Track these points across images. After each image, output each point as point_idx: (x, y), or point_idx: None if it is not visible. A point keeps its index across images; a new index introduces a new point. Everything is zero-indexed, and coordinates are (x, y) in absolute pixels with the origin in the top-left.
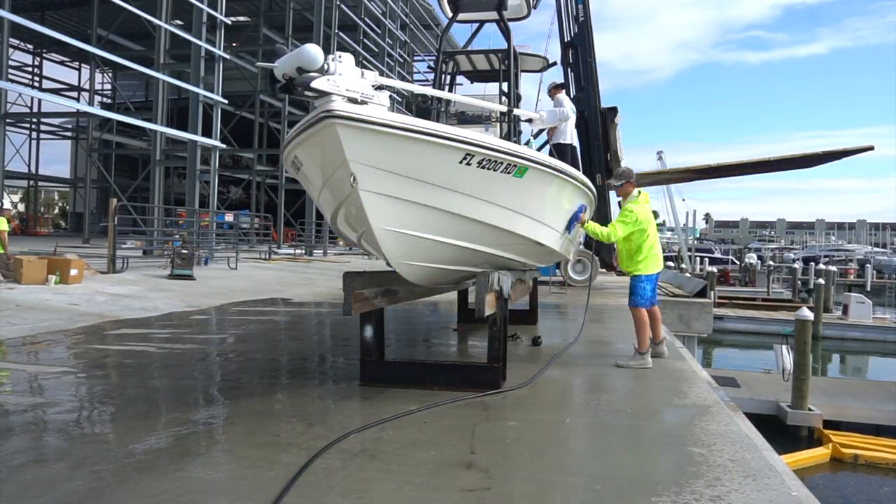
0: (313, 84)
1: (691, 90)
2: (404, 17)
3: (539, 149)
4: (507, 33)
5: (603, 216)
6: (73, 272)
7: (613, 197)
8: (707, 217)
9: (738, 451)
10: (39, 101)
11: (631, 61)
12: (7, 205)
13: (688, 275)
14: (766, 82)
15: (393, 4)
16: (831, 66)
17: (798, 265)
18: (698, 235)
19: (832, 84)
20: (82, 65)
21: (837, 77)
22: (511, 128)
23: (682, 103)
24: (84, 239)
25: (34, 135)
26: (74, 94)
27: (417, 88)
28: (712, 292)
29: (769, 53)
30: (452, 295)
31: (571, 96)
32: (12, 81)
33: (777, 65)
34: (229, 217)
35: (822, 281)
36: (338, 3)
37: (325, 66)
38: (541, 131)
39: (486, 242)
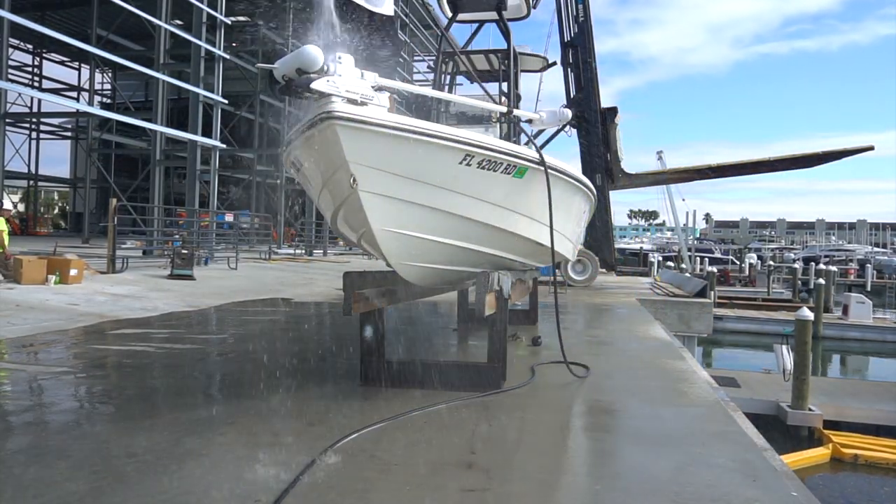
0: (313, 85)
1: (730, 84)
2: (404, 17)
3: (527, 143)
4: (506, 33)
5: (603, 216)
6: (73, 272)
7: (613, 196)
8: (707, 217)
9: (738, 451)
10: (39, 101)
11: (683, 55)
12: (7, 205)
13: (688, 275)
14: (814, 76)
15: (393, 5)
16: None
17: (798, 265)
18: (698, 235)
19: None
20: (82, 65)
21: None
22: (511, 128)
23: (720, 99)
24: (84, 239)
25: (34, 135)
26: (74, 94)
27: (417, 89)
28: (712, 292)
29: (813, 42)
30: (452, 295)
31: (571, 96)
32: (12, 81)
33: (813, 55)
34: (229, 217)
35: (822, 281)
36: None
37: (325, 68)
38: (540, 132)
39: (486, 243)
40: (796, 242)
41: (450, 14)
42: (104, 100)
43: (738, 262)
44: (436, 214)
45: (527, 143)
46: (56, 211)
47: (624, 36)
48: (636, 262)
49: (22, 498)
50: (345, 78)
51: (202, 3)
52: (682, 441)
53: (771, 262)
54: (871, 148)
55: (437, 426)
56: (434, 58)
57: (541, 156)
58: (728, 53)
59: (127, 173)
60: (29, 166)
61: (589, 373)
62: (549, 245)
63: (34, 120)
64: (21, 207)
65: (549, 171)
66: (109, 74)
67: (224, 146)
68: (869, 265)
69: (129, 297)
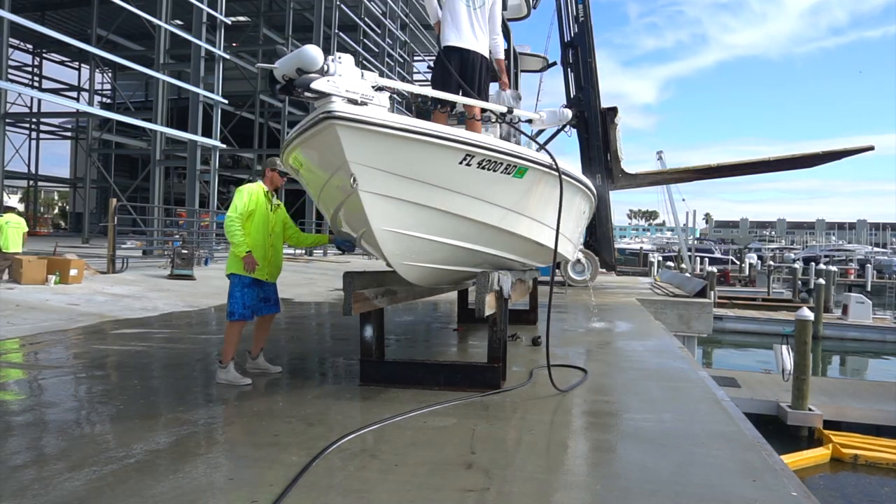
0: (313, 85)
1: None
2: (404, 17)
3: (539, 149)
4: (506, 33)
5: (603, 216)
6: (73, 272)
7: (613, 196)
8: (707, 217)
9: (738, 451)
10: (39, 101)
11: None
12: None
13: (688, 275)
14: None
15: (393, 4)
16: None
17: (798, 265)
18: (698, 235)
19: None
20: (82, 65)
21: None
22: (511, 128)
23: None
24: (84, 239)
25: (34, 135)
26: (74, 94)
27: (417, 89)
28: (712, 292)
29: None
30: (452, 295)
31: (571, 96)
32: (12, 81)
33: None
34: None
35: (822, 281)
36: (338, 3)
37: (325, 67)
38: (541, 131)
39: (486, 243)
40: (796, 242)
41: None
42: (104, 100)
43: (738, 262)
44: (436, 214)
45: (538, 149)
46: (56, 211)
47: (705, 23)
48: (636, 262)
49: (22, 498)
50: (345, 78)
51: (202, 3)
52: (682, 441)
53: (771, 262)
54: (871, 148)
55: (437, 426)
56: (434, 58)
57: (554, 161)
58: (818, 39)
59: (127, 173)
60: (29, 166)
61: (587, 377)
62: (549, 245)
63: (34, 120)
64: (21, 207)
65: (548, 171)
66: (109, 74)
67: (224, 146)
68: (869, 265)
69: (129, 297)
